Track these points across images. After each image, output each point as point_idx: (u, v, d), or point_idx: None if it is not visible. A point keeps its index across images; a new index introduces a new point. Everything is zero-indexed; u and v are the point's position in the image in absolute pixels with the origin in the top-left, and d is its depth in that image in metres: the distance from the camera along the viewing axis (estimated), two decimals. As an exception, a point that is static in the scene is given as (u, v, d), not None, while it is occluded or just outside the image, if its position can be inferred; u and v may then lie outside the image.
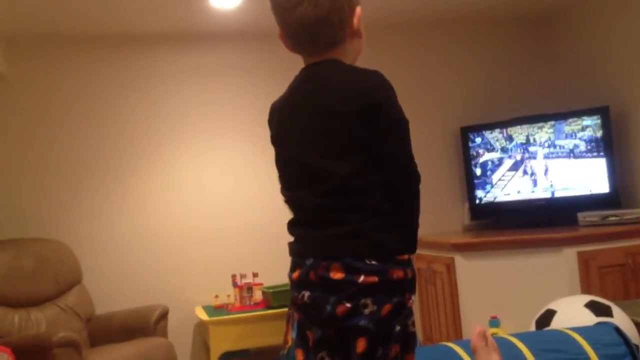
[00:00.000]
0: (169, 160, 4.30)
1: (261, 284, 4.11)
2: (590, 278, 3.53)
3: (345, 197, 1.45)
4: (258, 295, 4.09)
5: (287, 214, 1.56)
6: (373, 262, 1.42)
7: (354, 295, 1.41)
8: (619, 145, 4.11)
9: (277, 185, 1.58)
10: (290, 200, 1.55)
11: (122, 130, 4.23)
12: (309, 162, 1.48)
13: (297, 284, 1.50)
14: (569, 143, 4.11)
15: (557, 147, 4.14)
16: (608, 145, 4.02)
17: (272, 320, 3.80)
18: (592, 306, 2.83)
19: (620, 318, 2.77)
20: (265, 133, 1.60)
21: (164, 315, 3.82)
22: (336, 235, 1.44)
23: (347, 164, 1.45)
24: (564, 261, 3.58)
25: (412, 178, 1.51)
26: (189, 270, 4.25)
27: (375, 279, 1.41)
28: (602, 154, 4.03)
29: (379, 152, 1.46)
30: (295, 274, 1.49)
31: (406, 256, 1.48)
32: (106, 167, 4.19)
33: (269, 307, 3.91)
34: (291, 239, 1.55)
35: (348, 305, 1.41)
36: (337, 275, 1.42)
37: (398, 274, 1.44)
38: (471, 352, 2.06)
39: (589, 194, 4.06)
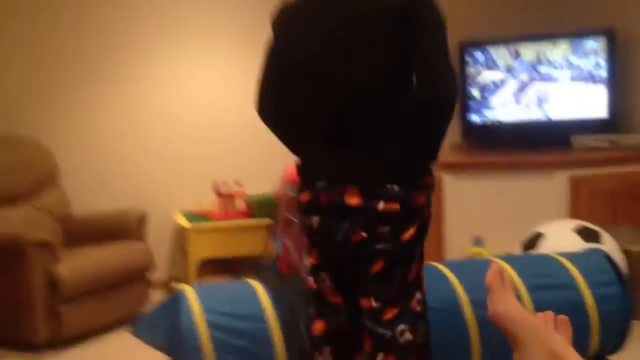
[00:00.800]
0: (154, 57, 4.11)
1: (243, 192, 4.02)
2: (581, 203, 3.48)
3: (368, 110, 1.27)
4: (240, 204, 4.01)
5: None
6: (395, 187, 1.27)
7: (371, 223, 1.28)
8: (622, 68, 3.95)
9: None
10: (296, 112, 1.38)
11: (105, 24, 4.00)
12: (328, 67, 1.29)
13: (305, 208, 1.36)
14: (587, 64, 3.86)
15: (573, 69, 3.91)
16: (611, 67, 3.85)
17: (254, 230, 3.74)
18: (581, 231, 2.80)
19: (609, 244, 2.74)
20: (257, 39, 1.44)
21: (142, 219, 3.72)
22: (355, 155, 1.29)
23: (374, 69, 1.27)
24: (555, 185, 3.52)
25: (446, 86, 1.29)
26: (170, 173, 4.14)
27: (396, 206, 1.27)
28: (603, 76, 3.86)
29: (412, 55, 1.27)
30: (304, 197, 1.35)
31: (430, 178, 1.34)
32: (87, 63, 3.99)
33: (251, 217, 3.84)
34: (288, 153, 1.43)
35: (364, 234, 1.29)
36: (354, 200, 1.27)
37: (420, 199, 1.31)
38: (485, 289, 1.99)
39: (587, 118, 3.93)
